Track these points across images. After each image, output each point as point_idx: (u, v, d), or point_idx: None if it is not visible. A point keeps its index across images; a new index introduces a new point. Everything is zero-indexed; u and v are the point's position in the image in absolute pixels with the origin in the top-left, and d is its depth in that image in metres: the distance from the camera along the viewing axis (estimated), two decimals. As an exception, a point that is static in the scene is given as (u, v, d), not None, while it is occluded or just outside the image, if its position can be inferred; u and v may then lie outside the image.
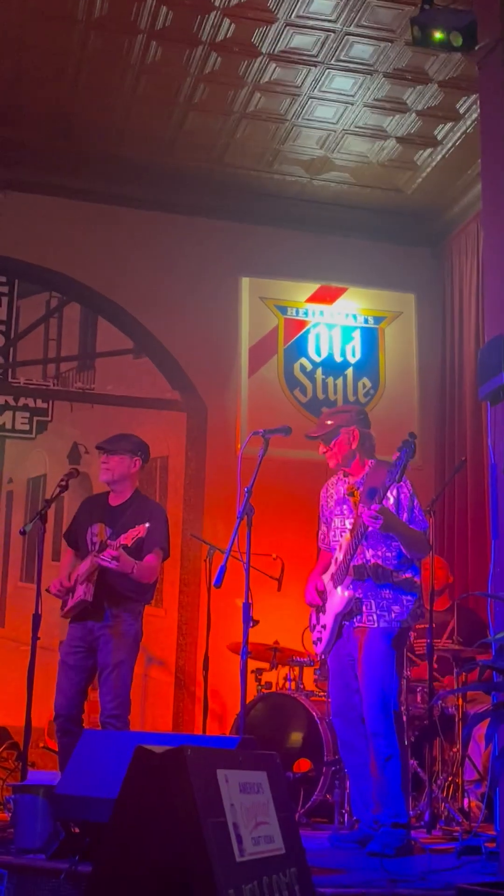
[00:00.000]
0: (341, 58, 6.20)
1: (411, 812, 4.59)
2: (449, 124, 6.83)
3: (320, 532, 4.66)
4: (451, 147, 7.06)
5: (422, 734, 5.25)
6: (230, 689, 5.81)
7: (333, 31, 5.97)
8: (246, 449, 4.44)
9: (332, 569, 4.40)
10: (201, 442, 7.51)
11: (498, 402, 4.01)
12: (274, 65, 6.30)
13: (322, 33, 5.99)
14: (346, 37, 6.01)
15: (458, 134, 6.90)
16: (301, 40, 6.07)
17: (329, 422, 4.52)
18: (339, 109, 6.74)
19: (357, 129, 6.95)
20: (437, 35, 4.75)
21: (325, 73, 6.35)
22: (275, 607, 5.86)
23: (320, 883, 2.96)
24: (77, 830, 3.49)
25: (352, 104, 6.67)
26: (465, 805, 4.74)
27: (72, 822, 3.50)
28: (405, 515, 4.30)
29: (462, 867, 3.63)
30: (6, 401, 7.35)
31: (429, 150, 7.16)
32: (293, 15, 5.84)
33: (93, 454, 5.41)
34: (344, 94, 6.58)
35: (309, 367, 7.88)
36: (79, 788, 3.40)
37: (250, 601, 4.20)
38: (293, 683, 5.72)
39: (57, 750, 4.86)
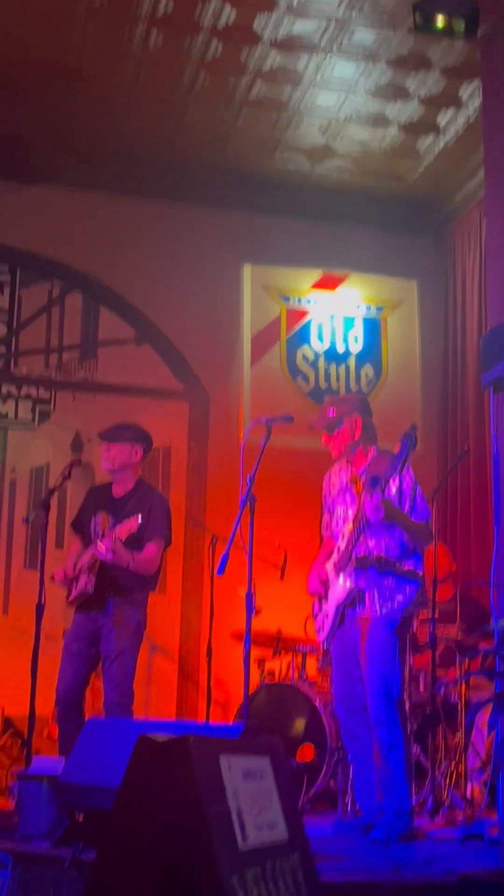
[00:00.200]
0: (343, 45, 6.17)
1: (414, 799, 4.61)
2: (451, 111, 6.80)
3: (323, 520, 4.66)
4: (454, 134, 7.03)
5: (425, 722, 5.26)
6: (233, 678, 5.83)
7: (335, 18, 5.93)
8: (248, 438, 4.44)
9: (335, 557, 4.40)
10: (203, 431, 7.51)
11: (500, 389, 4.01)
12: (275, 52, 6.27)
13: (324, 20, 5.96)
14: (348, 23, 5.97)
15: (461, 121, 6.87)
16: (303, 27, 6.04)
17: (331, 411, 4.51)
18: (340, 97, 6.71)
19: (359, 117, 6.92)
20: (440, 21, 4.74)
21: (327, 60, 6.32)
22: (278, 595, 5.87)
23: (324, 869, 2.96)
24: (81, 818, 3.50)
25: (354, 91, 6.64)
26: (468, 792, 4.75)
27: (76, 810, 3.51)
28: (407, 504, 4.30)
29: (465, 853, 3.64)
30: (9, 390, 7.35)
31: (431, 138, 7.13)
32: (295, 1, 5.81)
33: (95, 443, 5.41)
34: (346, 82, 6.54)
35: (311, 355, 7.87)
36: (82, 776, 3.41)
37: (253, 589, 4.21)
38: (296, 672, 5.74)
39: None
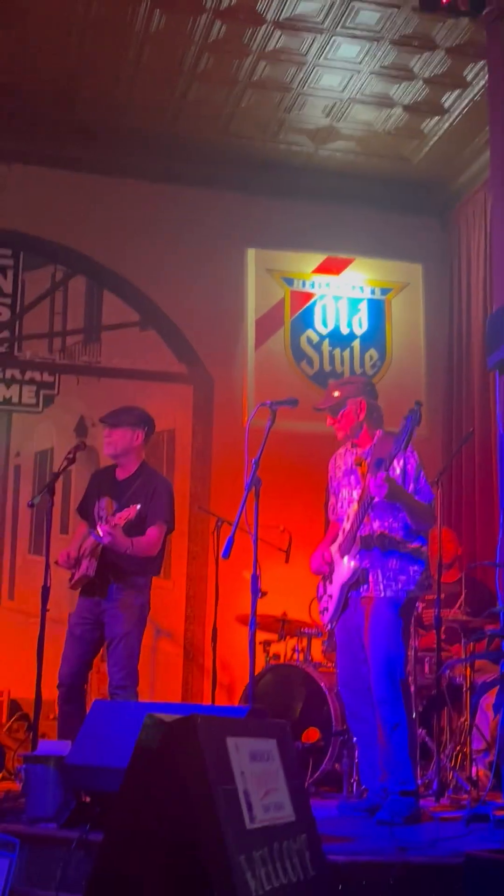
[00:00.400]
0: (347, 25, 6.13)
1: (420, 781, 4.61)
2: (456, 92, 6.76)
3: (329, 503, 4.66)
4: (459, 115, 6.99)
5: (430, 704, 5.27)
6: (239, 661, 5.85)
7: (339, -2, 5.89)
8: (253, 421, 4.42)
9: (340, 539, 4.40)
10: (208, 414, 7.51)
11: (506, 371, 4.00)
12: (279, 32, 6.22)
13: (327, 0, 5.92)
14: (352, 3, 5.93)
15: (466, 101, 6.83)
16: (306, 7, 6.00)
17: (336, 393, 4.50)
18: (344, 77, 6.67)
19: (363, 98, 6.88)
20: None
21: (331, 40, 6.28)
22: (283, 579, 5.87)
23: (330, 850, 2.97)
24: (88, 799, 3.51)
25: (358, 72, 6.60)
26: (473, 774, 4.76)
27: (83, 791, 3.53)
28: (411, 486, 4.30)
29: (470, 835, 3.65)
30: (13, 374, 7.34)
31: (436, 119, 7.09)
32: (298, -19, 5.78)
33: (99, 427, 5.40)
34: (350, 62, 6.50)
35: (316, 338, 7.85)
36: (89, 758, 3.42)
37: (258, 573, 4.21)
38: (301, 655, 5.75)
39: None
